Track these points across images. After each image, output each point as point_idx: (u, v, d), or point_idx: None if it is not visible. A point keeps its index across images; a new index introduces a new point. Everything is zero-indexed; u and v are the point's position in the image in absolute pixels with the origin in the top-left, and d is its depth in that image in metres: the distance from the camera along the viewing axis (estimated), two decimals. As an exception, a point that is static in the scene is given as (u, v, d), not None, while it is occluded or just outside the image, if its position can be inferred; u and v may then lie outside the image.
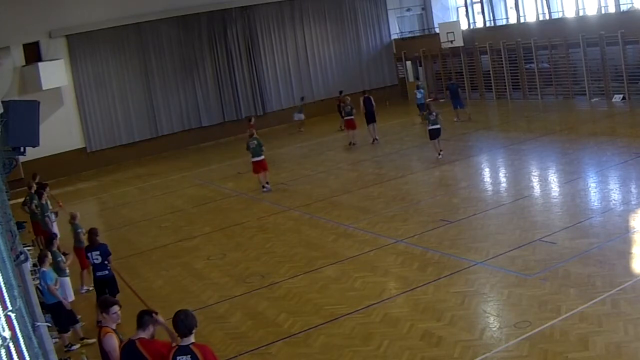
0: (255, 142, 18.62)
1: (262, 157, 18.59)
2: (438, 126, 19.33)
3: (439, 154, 19.26)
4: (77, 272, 12.69)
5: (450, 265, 11.10)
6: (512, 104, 28.92)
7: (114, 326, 6.83)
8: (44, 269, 10.08)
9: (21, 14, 25.00)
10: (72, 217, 13.10)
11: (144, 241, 15.82)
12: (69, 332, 10.25)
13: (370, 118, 23.99)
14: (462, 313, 9.26)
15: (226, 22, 30.49)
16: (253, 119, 24.35)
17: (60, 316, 10.08)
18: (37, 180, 18.01)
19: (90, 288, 11.99)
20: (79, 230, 12.80)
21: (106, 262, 11.00)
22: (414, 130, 25.57)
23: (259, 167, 18.77)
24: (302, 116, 29.51)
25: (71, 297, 11.08)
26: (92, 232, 11.31)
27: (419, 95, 26.71)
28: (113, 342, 6.57)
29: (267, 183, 18.84)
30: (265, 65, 31.65)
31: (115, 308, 6.87)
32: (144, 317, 6.35)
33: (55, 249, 11.30)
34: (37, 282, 10.08)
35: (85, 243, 11.73)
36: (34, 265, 11.31)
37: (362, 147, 23.41)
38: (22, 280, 5.75)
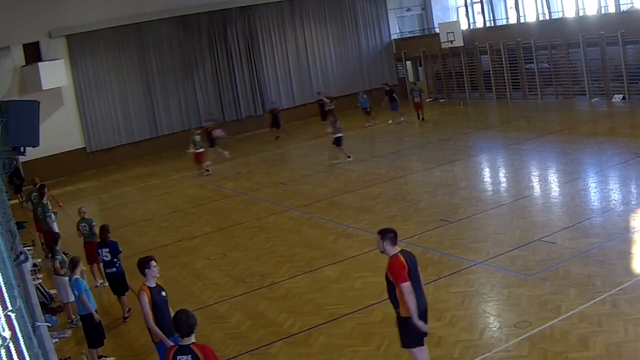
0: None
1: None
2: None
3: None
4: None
5: (450, 265, 11.10)
6: (512, 104, 28.90)
7: (152, 283, 7.82)
8: (76, 276, 9.37)
9: (21, 14, 24.99)
10: (83, 212, 13.05)
11: (143, 241, 15.80)
12: (98, 348, 9.53)
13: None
14: (462, 313, 9.26)
15: (226, 22, 30.47)
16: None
17: (90, 329, 9.38)
18: (16, 164, 18.16)
19: (105, 284, 11.85)
20: (94, 224, 12.70)
21: (115, 260, 11.02)
22: (413, 130, 25.59)
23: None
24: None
25: (69, 297, 10.98)
26: (103, 229, 11.31)
27: (361, 100, 28.01)
28: (143, 298, 7.65)
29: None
30: (265, 65, 31.62)
31: (154, 263, 7.87)
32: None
33: (58, 248, 11.32)
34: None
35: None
36: (34, 265, 11.30)
37: (360, 144, 23.38)
38: (22, 280, 5.74)
